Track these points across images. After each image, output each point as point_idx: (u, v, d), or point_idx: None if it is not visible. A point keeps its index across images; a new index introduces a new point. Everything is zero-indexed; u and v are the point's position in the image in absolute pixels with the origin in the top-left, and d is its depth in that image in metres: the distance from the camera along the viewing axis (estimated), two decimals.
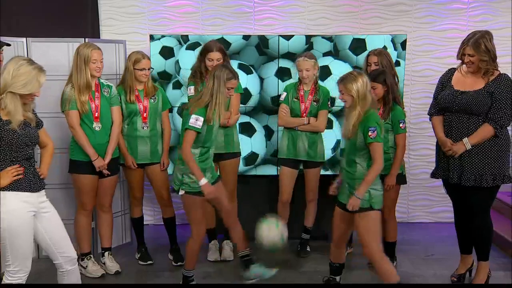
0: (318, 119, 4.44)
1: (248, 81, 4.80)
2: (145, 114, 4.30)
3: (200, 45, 4.74)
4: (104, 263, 4.37)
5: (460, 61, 3.86)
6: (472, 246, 4.09)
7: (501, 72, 3.80)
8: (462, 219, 4.04)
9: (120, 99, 4.26)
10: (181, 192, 3.72)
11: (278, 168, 4.91)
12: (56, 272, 3.25)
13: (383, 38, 4.78)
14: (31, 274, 3.13)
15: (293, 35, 4.91)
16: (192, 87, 4.24)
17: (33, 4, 5.08)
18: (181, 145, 3.68)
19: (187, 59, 4.81)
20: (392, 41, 4.78)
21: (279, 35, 4.91)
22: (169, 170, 4.55)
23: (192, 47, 4.82)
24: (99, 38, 5.33)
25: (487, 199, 3.87)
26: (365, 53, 4.53)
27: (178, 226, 4.69)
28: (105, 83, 4.22)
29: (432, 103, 4.04)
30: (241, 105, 4.65)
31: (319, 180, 4.60)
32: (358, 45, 4.81)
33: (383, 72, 3.93)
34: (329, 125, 4.68)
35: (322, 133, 4.53)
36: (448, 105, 3.84)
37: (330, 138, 4.78)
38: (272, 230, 3.80)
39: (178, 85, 4.89)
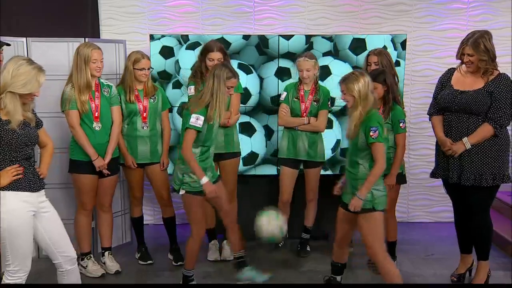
0: (318, 119, 4.44)
1: (247, 81, 4.81)
2: (144, 114, 4.30)
3: (200, 44, 4.74)
4: (104, 263, 4.38)
5: (459, 61, 3.87)
6: (472, 245, 4.09)
7: (501, 72, 3.80)
8: (462, 218, 4.04)
9: (120, 99, 4.27)
10: (182, 192, 3.73)
11: (278, 168, 4.91)
12: (56, 271, 3.25)
13: (383, 38, 4.78)
14: (31, 274, 3.14)
15: (293, 35, 4.91)
16: (193, 87, 4.24)
17: (33, 4, 5.08)
18: (181, 144, 3.68)
19: (187, 59, 4.81)
20: (392, 41, 4.78)
21: (279, 35, 4.91)
22: (169, 170, 4.55)
23: (192, 47, 4.82)
24: (99, 38, 5.33)
25: (486, 199, 3.88)
26: (365, 53, 4.53)
27: (178, 226, 4.69)
28: (105, 83, 4.22)
29: (431, 103, 4.05)
30: (241, 105, 4.65)
31: (319, 180, 4.60)
32: (358, 45, 4.81)
33: (383, 72, 3.93)
34: (329, 125, 4.68)
35: (322, 133, 4.54)
36: (447, 105, 3.85)
37: (330, 138, 4.77)
38: (272, 221, 3.80)
39: (178, 85, 4.89)
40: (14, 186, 2.98)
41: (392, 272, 3.46)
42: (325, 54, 4.83)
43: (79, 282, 3.33)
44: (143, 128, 4.32)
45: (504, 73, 3.80)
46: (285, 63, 4.86)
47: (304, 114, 4.44)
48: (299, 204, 4.68)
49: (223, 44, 4.41)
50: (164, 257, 4.62)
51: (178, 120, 4.78)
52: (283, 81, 4.84)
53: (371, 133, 3.34)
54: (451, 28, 5.43)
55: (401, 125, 3.94)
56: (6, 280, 3.03)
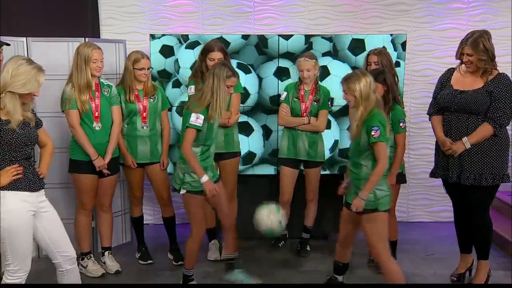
0: (319, 119, 4.44)
1: (246, 80, 4.80)
2: (144, 113, 4.30)
3: (199, 44, 4.75)
4: (104, 263, 4.38)
5: (459, 61, 3.87)
6: (472, 245, 4.10)
7: (500, 72, 3.80)
8: (462, 218, 4.04)
9: (120, 98, 4.27)
10: (182, 191, 3.73)
11: (276, 168, 4.92)
12: (56, 271, 3.25)
13: (382, 38, 4.77)
14: (31, 274, 3.14)
15: (292, 35, 4.91)
16: (193, 87, 4.24)
17: (33, 4, 5.08)
18: (181, 143, 3.69)
19: (187, 58, 4.81)
20: (392, 41, 4.77)
21: (278, 35, 4.90)
22: (169, 169, 4.56)
23: (191, 46, 4.83)
24: (99, 37, 5.33)
25: (486, 198, 3.88)
26: (364, 53, 4.53)
27: (178, 226, 4.69)
28: (105, 83, 4.22)
29: (431, 102, 4.05)
30: (240, 105, 4.65)
31: (319, 179, 4.61)
32: (357, 45, 4.81)
33: (383, 72, 3.93)
34: (328, 126, 4.66)
35: (322, 133, 4.54)
36: (447, 105, 3.85)
37: (328, 138, 4.76)
38: (272, 215, 3.81)
39: (177, 84, 4.89)
40: (14, 185, 2.98)
41: (395, 272, 3.44)
42: (324, 54, 4.82)
43: (79, 281, 3.33)
44: (143, 128, 4.32)
45: (504, 73, 3.80)
46: (284, 63, 4.86)
47: (305, 114, 4.44)
48: (299, 204, 4.69)
49: (222, 43, 4.41)
50: (164, 256, 4.62)
51: (177, 120, 4.79)
52: (282, 81, 4.84)
53: (372, 133, 3.32)
54: (451, 28, 5.43)
55: (401, 124, 3.94)
56: (6, 279, 3.03)
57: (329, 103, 4.51)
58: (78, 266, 3.52)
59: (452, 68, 4.00)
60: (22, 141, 3.00)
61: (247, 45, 4.86)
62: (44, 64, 3.18)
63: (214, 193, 3.68)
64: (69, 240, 3.25)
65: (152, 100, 4.33)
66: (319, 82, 4.53)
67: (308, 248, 4.72)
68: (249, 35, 4.94)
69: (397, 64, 4.60)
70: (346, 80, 3.43)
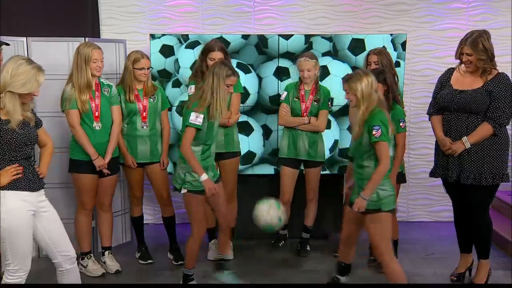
0: (319, 118, 4.44)
1: (246, 80, 4.80)
2: (144, 113, 4.30)
3: (199, 43, 4.75)
4: (104, 262, 4.38)
5: (459, 61, 3.88)
6: (472, 245, 4.10)
7: (500, 71, 3.81)
8: (462, 218, 4.04)
9: (120, 98, 4.27)
10: (183, 191, 3.73)
11: (275, 167, 4.92)
12: (56, 271, 3.25)
13: (382, 38, 4.77)
14: (31, 273, 3.14)
15: (292, 35, 4.91)
16: (193, 86, 4.24)
17: (33, 4, 5.08)
18: (181, 142, 3.70)
19: (186, 57, 4.82)
20: (392, 41, 4.77)
21: (278, 35, 4.90)
22: (168, 169, 4.56)
23: (191, 45, 4.83)
24: (99, 37, 5.33)
25: (486, 198, 3.88)
26: (364, 53, 4.53)
27: (178, 225, 4.69)
28: (105, 83, 4.22)
29: (431, 102, 4.06)
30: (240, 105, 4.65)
31: (319, 179, 4.61)
32: (357, 45, 4.80)
33: (382, 71, 3.92)
34: (328, 125, 4.65)
35: (322, 132, 4.54)
36: (447, 104, 3.85)
37: (328, 138, 4.74)
38: (272, 210, 3.82)
39: (177, 84, 4.89)
40: (13, 185, 2.98)
41: (397, 272, 3.42)
42: (324, 54, 4.82)
43: (79, 281, 3.33)
44: (142, 127, 4.32)
45: (503, 73, 3.81)
46: (284, 62, 4.86)
47: (305, 114, 4.44)
48: (299, 204, 4.69)
49: (222, 43, 4.41)
50: (164, 256, 4.62)
51: (177, 119, 4.79)
52: (282, 81, 4.84)
53: (373, 132, 3.30)
54: (451, 27, 5.43)
55: (401, 124, 3.94)
56: (6, 279, 3.03)
57: (329, 103, 4.51)
58: (78, 265, 3.52)
59: (452, 68, 4.00)
60: (22, 141, 3.00)
61: (247, 45, 4.86)
62: (44, 64, 3.19)
63: (213, 192, 3.69)
64: (69, 239, 3.25)
65: (152, 100, 4.33)
66: (319, 82, 4.53)
67: (308, 248, 4.72)
68: (249, 35, 4.94)
69: (397, 64, 4.59)
70: (347, 80, 3.42)
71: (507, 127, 3.84)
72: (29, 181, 3.04)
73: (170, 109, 4.62)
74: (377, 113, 3.36)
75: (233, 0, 5.45)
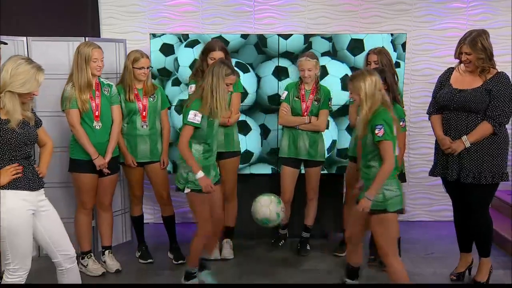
0: (319, 118, 4.45)
1: (245, 79, 4.78)
2: (144, 113, 4.30)
3: (199, 42, 4.76)
4: (104, 262, 4.38)
5: (458, 60, 3.88)
6: (472, 244, 4.11)
7: (499, 71, 3.81)
8: (462, 217, 4.05)
9: (120, 98, 4.27)
10: (187, 190, 3.73)
11: (273, 167, 4.91)
12: (56, 270, 3.25)
13: (381, 39, 4.75)
14: (31, 273, 3.14)
15: (291, 34, 4.91)
16: (193, 86, 4.24)
17: (33, 4, 5.08)
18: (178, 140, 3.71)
19: (186, 56, 4.82)
20: (392, 42, 4.76)
21: (278, 34, 4.90)
22: (168, 168, 4.56)
23: (191, 44, 4.83)
24: (100, 37, 5.33)
25: (486, 196, 3.89)
26: (363, 54, 4.53)
27: (178, 225, 4.69)
28: (105, 82, 4.23)
29: (431, 102, 4.06)
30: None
31: (320, 179, 4.61)
32: (356, 45, 4.80)
33: (382, 71, 3.92)
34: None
35: (322, 132, 4.54)
36: (446, 103, 3.86)
37: (327, 138, 4.70)
38: (271, 205, 3.82)
39: (177, 82, 4.89)
40: (13, 185, 2.98)
41: (399, 272, 3.41)
42: (323, 54, 4.81)
43: (79, 280, 3.34)
44: (142, 127, 4.32)
45: (503, 72, 3.81)
46: (283, 62, 4.85)
47: (305, 113, 4.44)
48: (299, 203, 4.69)
49: (222, 42, 4.41)
50: (165, 256, 4.62)
51: (177, 118, 4.79)
52: (281, 81, 4.84)
53: (376, 131, 3.28)
54: (451, 27, 5.42)
55: (401, 124, 3.93)
56: (7, 278, 3.04)
57: (329, 102, 4.51)
58: (78, 265, 3.52)
59: (451, 67, 4.01)
60: (22, 141, 3.01)
61: (246, 44, 4.86)
62: (44, 63, 3.19)
63: (209, 189, 3.69)
64: (69, 239, 3.25)
65: (151, 99, 4.34)
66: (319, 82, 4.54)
67: (308, 247, 4.72)
68: (248, 34, 4.94)
69: (397, 65, 4.58)
70: (351, 79, 3.41)
71: (506, 126, 3.85)
72: (29, 181, 3.05)
73: (169, 108, 4.62)
74: (381, 112, 3.34)
75: (233, 0, 5.45)
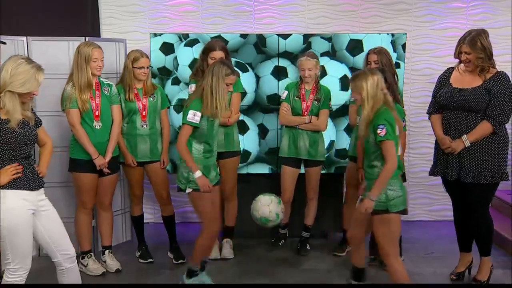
0: (320, 118, 4.45)
1: (243, 79, 4.77)
2: (144, 112, 4.31)
3: (198, 42, 4.77)
4: (104, 261, 4.39)
5: (458, 60, 3.88)
6: (471, 244, 4.11)
7: (499, 70, 3.81)
8: (462, 216, 4.05)
9: (120, 97, 4.27)
10: (188, 190, 3.73)
11: (270, 167, 4.91)
12: (56, 270, 3.26)
13: (380, 39, 4.74)
14: (32, 272, 3.14)
15: (291, 34, 4.91)
16: (194, 85, 4.23)
17: (33, 3, 5.08)
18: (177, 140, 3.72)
19: (185, 55, 4.82)
20: (392, 42, 4.76)
21: (277, 34, 4.89)
22: (167, 168, 4.56)
23: (190, 44, 4.83)
24: (100, 36, 5.33)
25: (486, 196, 3.89)
26: (362, 54, 4.53)
27: (178, 225, 4.70)
28: (105, 82, 4.23)
29: (431, 101, 4.07)
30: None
31: (319, 178, 4.61)
32: (355, 45, 4.79)
33: (382, 71, 3.90)
34: None
35: (323, 132, 4.54)
36: (446, 103, 3.86)
37: (325, 138, 4.70)
38: (272, 204, 3.83)
39: (177, 81, 4.89)
40: (13, 184, 2.99)
41: (399, 272, 3.41)
42: (323, 54, 4.80)
43: (79, 280, 3.34)
44: (142, 126, 4.33)
45: (502, 71, 3.81)
46: (282, 62, 4.85)
47: (306, 113, 4.45)
48: (299, 203, 4.69)
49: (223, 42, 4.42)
50: (165, 255, 4.62)
51: (175, 117, 4.79)
52: (280, 80, 4.84)
53: (378, 131, 3.27)
54: (451, 27, 5.42)
55: None
56: (7, 278, 3.04)
57: (329, 102, 4.51)
58: (79, 265, 3.53)
59: (451, 67, 4.01)
60: (22, 140, 3.01)
61: (246, 44, 4.86)
62: (44, 63, 3.19)
63: (207, 189, 3.69)
64: (69, 238, 3.25)
65: (151, 99, 4.34)
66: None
67: (308, 247, 4.72)
68: (247, 34, 4.94)
69: (397, 65, 4.56)
70: (353, 78, 3.40)
71: (506, 126, 3.85)
72: (28, 180, 3.05)
73: (169, 108, 4.62)
74: (383, 112, 3.32)
75: (234, 0, 5.45)
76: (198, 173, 3.66)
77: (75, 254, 3.29)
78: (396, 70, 4.29)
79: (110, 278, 4.26)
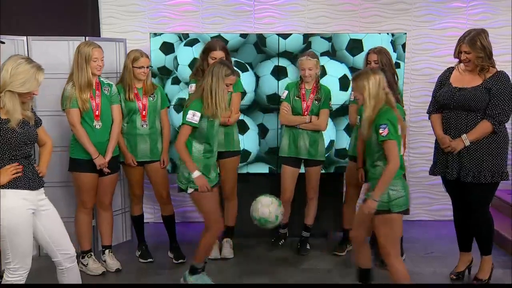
0: (320, 117, 4.45)
1: (243, 78, 4.76)
2: (144, 112, 4.31)
3: (198, 41, 4.77)
4: (104, 261, 4.39)
5: (458, 60, 3.89)
6: (471, 243, 4.11)
7: (499, 70, 3.81)
8: (462, 216, 4.05)
9: (119, 97, 4.27)
10: (190, 191, 3.73)
11: (270, 166, 4.91)
12: (56, 269, 3.26)
13: (380, 39, 4.73)
14: (32, 272, 3.14)
15: (290, 34, 4.90)
16: (194, 85, 4.24)
17: (33, 3, 5.08)
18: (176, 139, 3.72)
19: (185, 55, 4.82)
20: (392, 43, 4.75)
21: (277, 34, 4.89)
22: (167, 167, 4.57)
23: (190, 43, 4.83)
24: (100, 36, 5.33)
25: (486, 195, 3.89)
26: (362, 54, 4.53)
27: (178, 224, 4.70)
28: (105, 82, 4.23)
29: (431, 101, 4.07)
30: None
31: (319, 178, 4.61)
32: (355, 45, 4.79)
33: (382, 71, 3.91)
34: None
35: (323, 132, 4.54)
36: (446, 102, 3.86)
37: (324, 138, 4.71)
38: (272, 206, 3.84)
39: (177, 81, 4.89)
40: (13, 184, 2.99)
41: (400, 272, 3.40)
42: (322, 54, 4.79)
43: (79, 279, 3.34)
44: (142, 126, 4.33)
45: (502, 71, 3.82)
46: (282, 62, 4.85)
47: (306, 112, 4.45)
48: (299, 203, 4.69)
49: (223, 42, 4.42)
50: (165, 255, 4.63)
51: (175, 116, 4.79)
52: (279, 80, 4.84)
53: (380, 131, 3.25)
54: (450, 27, 5.42)
55: None
56: (7, 278, 3.04)
57: (330, 102, 4.51)
58: (79, 264, 3.53)
59: (451, 67, 4.01)
60: (22, 140, 3.01)
61: (245, 44, 4.86)
62: (44, 63, 3.19)
63: (205, 189, 3.69)
64: (69, 238, 3.25)
65: (151, 98, 4.34)
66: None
67: (308, 247, 4.72)
68: (247, 34, 4.94)
69: (397, 65, 4.56)
70: (355, 78, 3.38)
71: (506, 125, 3.85)
72: (29, 180, 3.05)
73: (169, 107, 4.62)
74: (385, 111, 3.31)
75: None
76: (196, 173, 3.66)
77: (75, 254, 3.30)
78: (396, 70, 4.29)
79: (110, 278, 4.26)
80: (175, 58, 4.86)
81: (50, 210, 3.17)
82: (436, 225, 5.52)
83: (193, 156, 3.71)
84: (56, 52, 4.47)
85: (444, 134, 3.88)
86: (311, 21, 5.45)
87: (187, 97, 4.49)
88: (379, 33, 4.90)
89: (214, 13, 5.46)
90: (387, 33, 4.83)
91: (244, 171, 4.92)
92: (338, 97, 4.78)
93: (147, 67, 4.27)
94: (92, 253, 4.36)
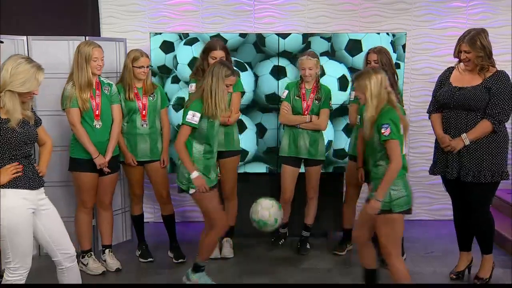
0: (320, 117, 4.45)
1: (242, 78, 4.73)
2: (144, 111, 4.31)
3: (198, 40, 4.77)
4: (104, 261, 4.39)
5: (457, 59, 3.89)
6: (471, 243, 4.11)
7: (499, 69, 3.82)
8: (462, 215, 4.05)
9: (119, 97, 4.28)
10: (192, 191, 3.73)
11: (267, 166, 4.92)
12: (56, 269, 3.26)
13: (379, 39, 4.73)
14: (32, 271, 3.14)
15: (290, 34, 4.90)
16: (194, 85, 4.24)
17: (34, 3, 5.09)
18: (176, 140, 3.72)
19: (185, 54, 4.82)
20: (392, 43, 4.75)
21: (277, 34, 4.89)
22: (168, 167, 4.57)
23: (190, 42, 4.83)
24: (100, 36, 5.33)
25: (486, 195, 3.89)
26: (361, 54, 4.53)
27: (178, 224, 4.70)
28: (105, 81, 4.23)
29: (431, 101, 4.07)
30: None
31: (319, 178, 4.61)
32: (354, 45, 4.79)
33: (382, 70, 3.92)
34: None
35: (323, 131, 4.54)
36: (446, 101, 3.86)
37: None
38: (272, 208, 3.83)
39: (176, 80, 4.89)
40: (13, 183, 2.99)
41: (401, 272, 3.40)
42: (322, 54, 4.78)
43: (79, 279, 3.34)
44: (142, 126, 4.33)
45: (502, 70, 3.82)
46: (281, 61, 4.85)
47: (306, 112, 4.45)
48: (300, 202, 4.69)
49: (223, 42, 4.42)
50: (165, 255, 4.63)
51: (174, 116, 4.79)
52: (279, 80, 4.84)
53: (382, 131, 3.24)
54: (450, 26, 5.42)
55: None
56: (7, 277, 3.04)
57: (330, 101, 4.51)
58: (79, 264, 3.53)
59: (451, 66, 4.01)
60: (22, 140, 3.01)
61: (245, 43, 4.86)
62: (45, 62, 3.19)
63: (203, 190, 3.69)
64: (69, 238, 3.25)
65: (151, 98, 4.34)
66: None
67: (308, 246, 4.73)
68: (247, 33, 4.94)
69: (397, 66, 4.56)
70: (357, 77, 3.37)
71: (506, 124, 3.85)
72: (29, 179, 3.05)
73: (168, 107, 4.63)
74: (386, 111, 3.30)
75: None
76: (195, 174, 3.66)
77: (75, 253, 3.30)
78: (396, 69, 4.29)
79: (110, 278, 4.26)
80: (175, 57, 4.86)
81: (50, 210, 3.17)
82: (436, 224, 5.52)
83: (193, 157, 3.71)
84: (56, 51, 4.48)
85: (444, 134, 3.88)
86: (311, 21, 5.45)
87: (186, 96, 4.50)
88: (378, 33, 4.89)
89: (214, 12, 5.46)
90: (387, 33, 4.83)
91: (241, 170, 4.91)
92: (337, 97, 4.77)
93: (147, 67, 4.27)
94: (92, 253, 4.36)
